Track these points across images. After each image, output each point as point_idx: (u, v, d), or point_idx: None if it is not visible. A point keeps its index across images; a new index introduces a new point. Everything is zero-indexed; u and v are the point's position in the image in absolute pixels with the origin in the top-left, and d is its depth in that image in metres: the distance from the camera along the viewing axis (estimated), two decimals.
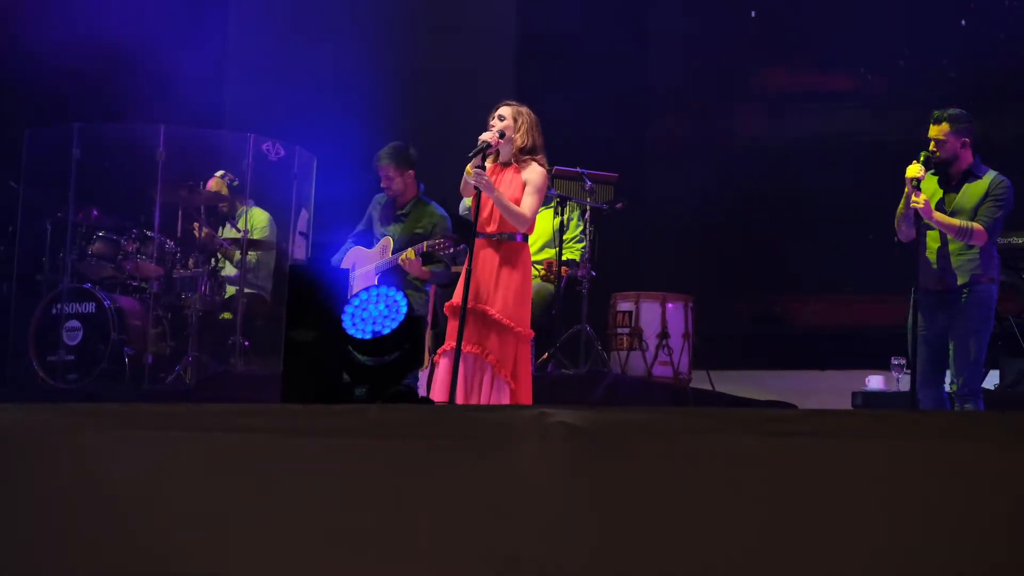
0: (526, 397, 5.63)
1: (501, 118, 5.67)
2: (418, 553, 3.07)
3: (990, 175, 6.00)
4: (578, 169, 7.46)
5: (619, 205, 7.50)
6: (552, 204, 7.59)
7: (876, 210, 6.51)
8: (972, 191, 5.98)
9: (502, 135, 5.61)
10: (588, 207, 7.37)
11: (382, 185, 7.23)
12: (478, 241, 5.62)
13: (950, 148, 5.96)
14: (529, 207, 5.61)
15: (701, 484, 2.93)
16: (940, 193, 6.03)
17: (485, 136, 5.60)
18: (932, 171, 6.01)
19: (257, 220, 8.41)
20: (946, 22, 8.55)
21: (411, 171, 7.27)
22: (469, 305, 5.46)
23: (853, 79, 8.86)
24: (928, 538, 2.77)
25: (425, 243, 6.87)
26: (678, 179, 9.19)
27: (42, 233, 8.53)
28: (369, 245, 7.35)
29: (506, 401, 5.48)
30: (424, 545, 3.07)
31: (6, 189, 8.59)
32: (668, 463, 2.96)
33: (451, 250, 6.81)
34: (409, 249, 6.89)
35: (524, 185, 5.64)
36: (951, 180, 6.03)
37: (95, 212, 8.51)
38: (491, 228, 5.64)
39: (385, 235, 7.29)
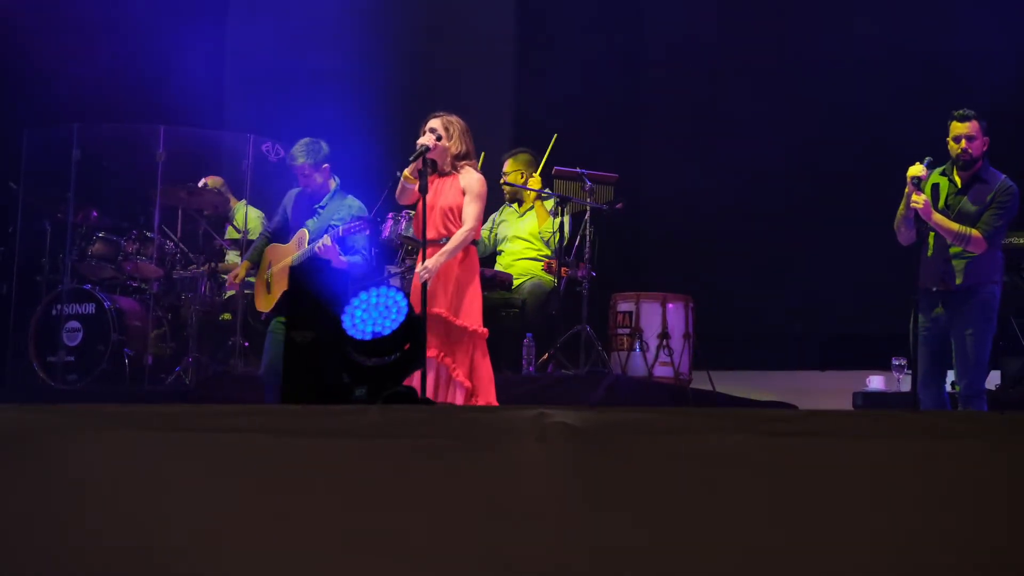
0: (487, 395, 5.67)
1: (432, 130, 5.82)
2: (418, 554, 3.07)
3: (999, 180, 5.93)
4: (578, 169, 7.46)
5: (619, 205, 7.49)
6: (546, 203, 7.60)
7: (877, 209, 6.49)
8: (979, 195, 5.91)
9: (439, 138, 5.77)
10: (588, 207, 7.37)
11: (300, 184, 7.22)
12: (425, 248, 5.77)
13: (979, 145, 5.91)
14: (472, 216, 5.78)
15: (701, 484, 2.92)
16: (946, 189, 5.96)
17: (422, 140, 5.76)
18: (942, 170, 5.98)
19: (250, 220, 8.38)
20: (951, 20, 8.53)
21: (326, 165, 7.29)
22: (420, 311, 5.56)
23: (851, 78, 8.84)
24: (928, 538, 2.77)
25: (341, 227, 6.91)
26: (678, 179, 9.18)
27: (42, 234, 8.54)
28: (285, 241, 7.37)
29: (460, 402, 5.56)
30: (424, 546, 3.07)
31: (6, 190, 8.58)
32: (668, 463, 2.96)
33: (366, 231, 6.83)
34: (325, 236, 6.90)
35: (464, 192, 5.79)
36: (961, 181, 5.97)
37: (95, 213, 8.52)
38: (434, 233, 5.76)
39: (301, 228, 7.30)
